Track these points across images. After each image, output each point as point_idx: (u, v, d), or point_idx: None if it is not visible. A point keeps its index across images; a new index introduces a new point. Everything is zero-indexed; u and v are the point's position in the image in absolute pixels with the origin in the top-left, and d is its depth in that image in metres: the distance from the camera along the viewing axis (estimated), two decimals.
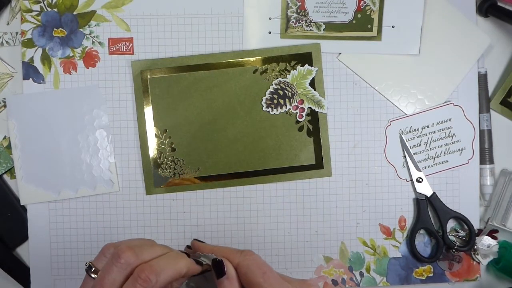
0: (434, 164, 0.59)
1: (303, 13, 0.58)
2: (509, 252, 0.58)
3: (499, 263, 0.58)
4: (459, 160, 0.59)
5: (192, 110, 0.57)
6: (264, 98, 0.57)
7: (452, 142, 0.59)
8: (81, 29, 0.57)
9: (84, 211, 0.57)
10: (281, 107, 0.57)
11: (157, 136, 0.57)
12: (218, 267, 0.39)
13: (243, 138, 0.57)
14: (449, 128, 0.59)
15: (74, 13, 0.57)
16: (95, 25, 0.57)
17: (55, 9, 0.56)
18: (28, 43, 0.57)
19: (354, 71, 0.58)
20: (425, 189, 0.58)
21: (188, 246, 0.44)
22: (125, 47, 0.57)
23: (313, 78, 0.58)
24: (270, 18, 0.58)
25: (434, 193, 0.58)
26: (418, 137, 0.59)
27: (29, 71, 0.57)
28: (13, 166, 0.57)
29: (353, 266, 0.58)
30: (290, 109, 0.58)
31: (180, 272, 0.37)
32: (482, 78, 0.59)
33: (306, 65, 0.57)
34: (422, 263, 0.59)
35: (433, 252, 0.59)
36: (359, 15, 0.58)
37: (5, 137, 0.57)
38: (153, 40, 0.57)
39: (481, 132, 0.59)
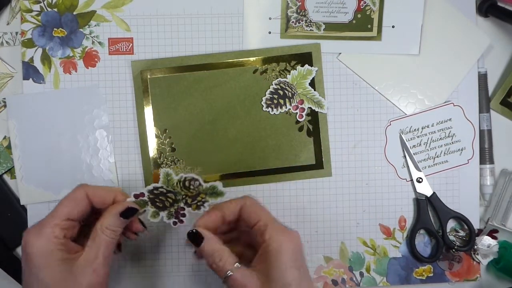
0: (434, 164, 0.59)
1: (303, 13, 0.58)
2: (509, 252, 0.58)
3: (499, 263, 0.58)
4: (459, 160, 0.59)
5: (192, 110, 0.57)
6: (264, 98, 0.57)
7: (452, 142, 0.59)
8: (81, 29, 0.57)
9: None
10: (281, 107, 0.57)
11: (157, 136, 0.57)
12: (194, 239, 0.45)
13: (243, 138, 0.57)
14: (449, 128, 0.59)
15: (74, 13, 0.57)
16: (95, 25, 0.57)
17: (55, 9, 0.56)
18: (28, 43, 0.57)
19: (354, 71, 0.58)
20: (425, 189, 0.58)
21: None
22: (125, 47, 0.57)
23: (313, 78, 0.58)
24: (270, 18, 0.58)
25: (434, 193, 0.58)
26: (418, 137, 0.59)
27: (29, 71, 0.57)
28: (13, 166, 0.57)
29: (353, 266, 0.58)
30: (290, 109, 0.58)
31: None
32: (482, 78, 0.59)
33: (306, 65, 0.57)
34: (422, 263, 0.59)
35: (433, 252, 0.59)
36: (359, 15, 0.58)
37: (5, 137, 0.57)
38: (153, 40, 0.57)
39: (481, 132, 0.59)
